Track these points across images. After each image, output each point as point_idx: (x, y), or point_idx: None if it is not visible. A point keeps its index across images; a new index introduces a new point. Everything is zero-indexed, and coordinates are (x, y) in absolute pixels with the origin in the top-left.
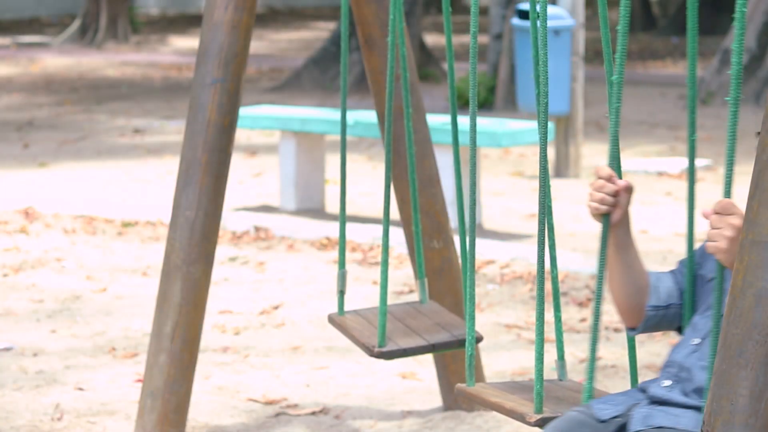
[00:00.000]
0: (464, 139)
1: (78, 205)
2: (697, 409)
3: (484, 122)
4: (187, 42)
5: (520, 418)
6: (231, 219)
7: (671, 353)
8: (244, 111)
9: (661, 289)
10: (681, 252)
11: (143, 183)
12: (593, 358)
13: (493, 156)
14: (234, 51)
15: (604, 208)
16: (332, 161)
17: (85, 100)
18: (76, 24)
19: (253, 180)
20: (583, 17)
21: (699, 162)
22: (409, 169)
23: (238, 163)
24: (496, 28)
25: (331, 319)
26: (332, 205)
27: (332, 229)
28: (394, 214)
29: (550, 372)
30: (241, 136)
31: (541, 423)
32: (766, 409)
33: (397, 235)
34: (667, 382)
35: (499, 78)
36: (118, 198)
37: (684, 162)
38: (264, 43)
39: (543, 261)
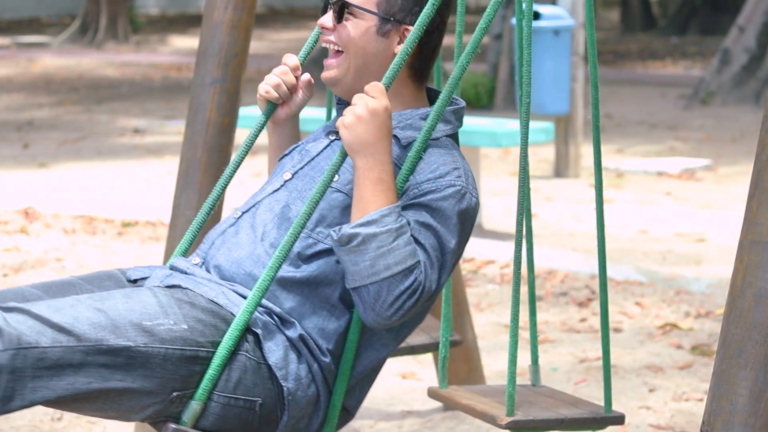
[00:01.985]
0: (463, 139)
1: (78, 205)
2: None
3: (484, 122)
4: (187, 42)
5: (491, 420)
6: None
7: (215, 227)
8: (244, 111)
9: None
10: (681, 252)
11: (143, 183)
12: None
13: (493, 156)
14: (234, 51)
15: (274, 95)
16: None
17: (85, 100)
18: (76, 24)
19: (253, 180)
20: (583, 17)
21: (699, 162)
22: None
23: None
24: (496, 28)
25: None
26: None
27: None
28: None
29: (547, 376)
30: (241, 136)
31: (513, 426)
32: (765, 409)
33: None
34: (197, 260)
35: (499, 78)
36: (118, 198)
37: (684, 162)
38: (264, 43)
39: (519, 262)
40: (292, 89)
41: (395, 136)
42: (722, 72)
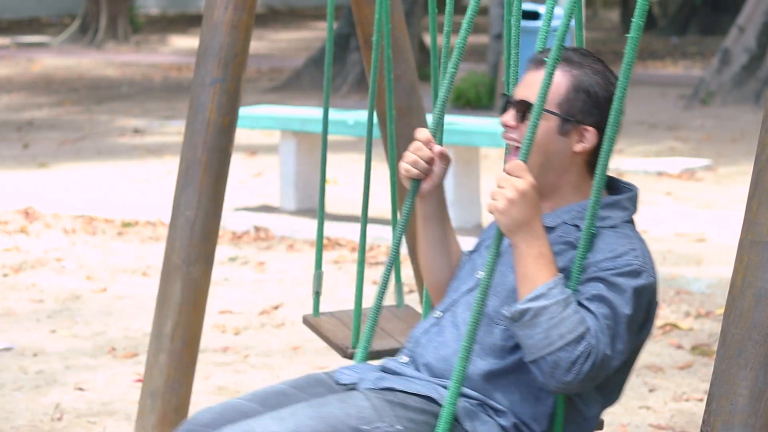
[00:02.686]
0: (464, 139)
1: (78, 205)
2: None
3: (484, 122)
4: (187, 42)
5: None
6: (231, 219)
7: (416, 326)
8: (244, 111)
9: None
10: (681, 252)
11: (143, 183)
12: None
13: (493, 156)
14: (234, 51)
15: (414, 172)
16: (332, 161)
17: (85, 100)
18: (76, 24)
19: (253, 180)
20: (583, 17)
21: (699, 162)
22: (390, 171)
23: (238, 163)
24: (496, 28)
25: (306, 321)
26: (332, 205)
27: (332, 229)
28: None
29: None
30: (241, 136)
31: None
32: (765, 409)
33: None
34: (405, 359)
35: (499, 78)
36: (118, 198)
37: (684, 162)
38: (264, 43)
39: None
40: (430, 162)
41: (576, 225)
42: (722, 72)
